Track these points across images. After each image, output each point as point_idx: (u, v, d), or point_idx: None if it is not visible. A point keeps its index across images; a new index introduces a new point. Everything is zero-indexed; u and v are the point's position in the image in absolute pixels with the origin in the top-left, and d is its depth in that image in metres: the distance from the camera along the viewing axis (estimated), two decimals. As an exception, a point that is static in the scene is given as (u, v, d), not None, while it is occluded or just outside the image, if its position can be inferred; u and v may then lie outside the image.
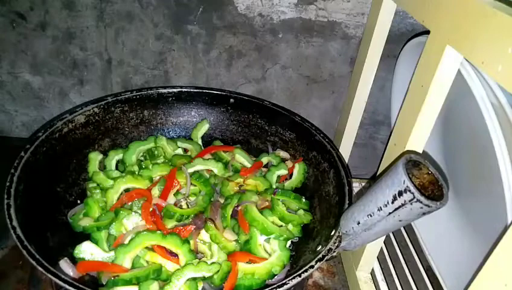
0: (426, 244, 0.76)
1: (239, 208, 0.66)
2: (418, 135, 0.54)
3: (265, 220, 0.63)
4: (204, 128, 0.84)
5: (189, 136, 0.85)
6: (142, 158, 0.76)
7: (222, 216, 0.65)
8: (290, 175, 0.78)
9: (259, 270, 0.58)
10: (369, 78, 0.79)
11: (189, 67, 0.92)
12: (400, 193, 0.44)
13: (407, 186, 0.43)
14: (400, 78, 0.83)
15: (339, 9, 0.84)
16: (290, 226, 0.66)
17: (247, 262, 0.59)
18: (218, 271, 0.56)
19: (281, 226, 0.66)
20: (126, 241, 0.59)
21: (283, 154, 0.82)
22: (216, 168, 0.75)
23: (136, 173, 0.71)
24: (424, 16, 0.53)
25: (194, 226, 0.62)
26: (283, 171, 0.77)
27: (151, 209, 0.64)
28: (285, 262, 0.60)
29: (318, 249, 0.57)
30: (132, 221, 0.62)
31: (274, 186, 0.74)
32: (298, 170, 0.77)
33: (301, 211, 0.69)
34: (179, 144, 0.80)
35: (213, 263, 0.57)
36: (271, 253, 0.62)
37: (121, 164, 0.75)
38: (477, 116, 0.52)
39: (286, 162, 0.79)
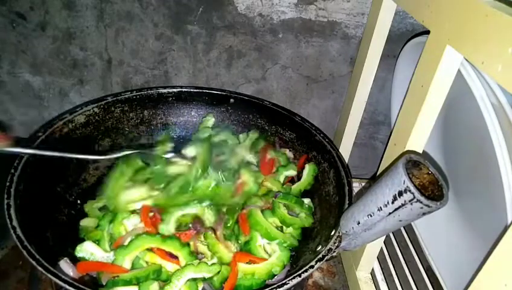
0: (426, 244, 0.76)
1: (244, 211, 0.66)
2: (418, 135, 0.54)
3: (268, 225, 0.63)
4: (210, 122, 0.83)
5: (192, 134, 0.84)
6: None
7: (224, 226, 0.64)
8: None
9: (259, 270, 0.58)
10: (369, 78, 0.79)
11: (189, 67, 0.92)
12: (400, 193, 0.44)
13: (407, 187, 0.43)
14: (400, 78, 0.83)
15: (339, 9, 0.84)
16: (290, 229, 0.66)
17: (247, 262, 0.59)
18: (218, 272, 0.56)
19: (281, 227, 0.66)
20: (126, 243, 0.59)
21: (289, 153, 0.81)
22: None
23: None
24: (424, 16, 0.53)
25: (195, 231, 0.62)
26: (291, 172, 0.76)
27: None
28: (285, 262, 0.60)
29: (318, 249, 0.57)
30: (132, 222, 0.62)
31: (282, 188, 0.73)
32: (308, 171, 0.75)
33: (302, 214, 0.68)
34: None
35: (213, 263, 0.57)
36: (271, 253, 0.62)
37: None
38: (477, 116, 0.52)
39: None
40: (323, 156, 0.74)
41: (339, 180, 0.66)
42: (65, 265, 0.54)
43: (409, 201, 0.44)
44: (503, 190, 0.49)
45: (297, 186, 0.74)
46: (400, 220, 0.47)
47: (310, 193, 0.74)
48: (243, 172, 0.71)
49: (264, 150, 0.78)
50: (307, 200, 0.71)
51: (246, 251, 0.61)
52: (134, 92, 0.80)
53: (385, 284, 0.72)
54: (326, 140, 0.74)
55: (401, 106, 0.57)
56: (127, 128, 0.80)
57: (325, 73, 0.92)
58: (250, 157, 0.78)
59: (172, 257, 0.59)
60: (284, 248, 0.62)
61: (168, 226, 0.61)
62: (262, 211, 0.66)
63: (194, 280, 0.55)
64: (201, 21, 0.85)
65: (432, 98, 0.50)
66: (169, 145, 0.74)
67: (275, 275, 0.59)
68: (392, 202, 0.46)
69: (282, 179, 0.75)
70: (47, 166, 0.65)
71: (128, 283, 0.53)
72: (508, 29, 0.37)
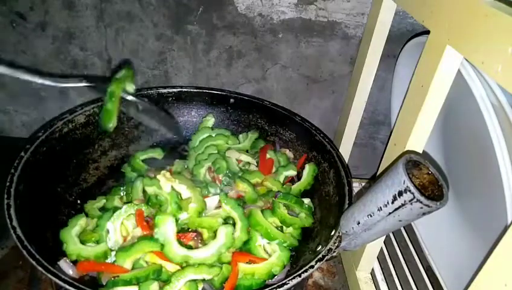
0: (426, 244, 0.76)
1: (244, 211, 0.65)
2: (418, 135, 0.54)
3: (269, 225, 0.63)
4: (210, 122, 0.83)
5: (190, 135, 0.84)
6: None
7: None
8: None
9: (259, 270, 0.58)
10: (369, 78, 0.79)
11: (189, 67, 0.92)
12: (400, 193, 0.44)
13: (407, 187, 0.43)
14: (400, 78, 0.83)
15: (339, 9, 0.84)
16: (290, 229, 0.66)
17: (247, 262, 0.59)
18: (218, 274, 0.56)
19: (281, 227, 0.65)
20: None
21: (288, 153, 0.81)
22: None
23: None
24: (424, 16, 0.53)
25: (195, 233, 0.62)
26: (291, 172, 0.76)
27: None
28: (285, 262, 0.60)
29: (318, 249, 0.57)
30: (132, 222, 0.62)
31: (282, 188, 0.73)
32: (308, 171, 0.75)
33: (302, 214, 0.68)
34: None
35: (213, 265, 0.57)
36: (271, 253, 0.62)
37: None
38: (477, 116, 0.52)
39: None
40: (323, 156, 0.74)
41: (339, 180, 0.66)
42: (65, 265, 0.55)
43: (409, 201, 0.44)
44: (503, 190, 0.49)
45: (297, 186, 0.74)
46: (400, 220, 0.47)
47: (310, 193, 0.74)
48: (239, 182, 0.70)
49: (264, 150, 0.78)
50: (306, 200, 0.71)
51: (245, 250, 0.61)
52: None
53: (385, 284, 0.72)
54: (326, 140, 0.74)
55: (401, 106, 0.57)
56: (127, 128, 0.80)
57: (325, 73, 0.92)
58: (249, 158, 0.78)
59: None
60: (284, 248, 0.62)
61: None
62: (262, 211, 0.66)
63: (194, 280, 0.55)
64: (201, 21, 0.85)
65: (432, 98, 0.50)
66: (129, 86, 0.61)
67: (275, 275, 0.59)
68: (392, 202, 0.46)
69: (282, 179, 0.75)
70: (47, 166, 0.65)
71: (128, 283, 0.53)
72: (508, 29, 0.37)
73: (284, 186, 0.74)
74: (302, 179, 0.75)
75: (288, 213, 0.67)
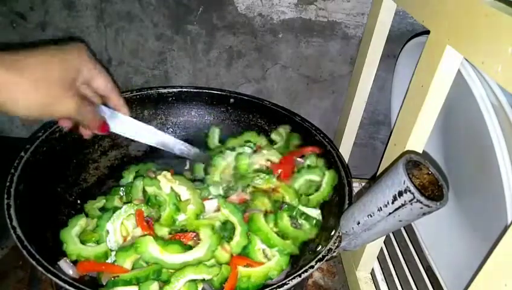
0: (426, 244, 0.76)
1: (246, 214, 0.64)
2: (418, 135, 0.54)
3: (270, 231, 0.61)
4: (216, 133, 0.82)
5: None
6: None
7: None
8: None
9: (255, 273, 0.57)
10: (369, 78, 0.79)
11: (189, 67, 0.92)
12: (400, 193, 0.44)
13: (407, 187, 0.43)
14: (400, 78, 0.83)
15: (339, 9, 0.84)
16: None
17: (245, 266, 0.59)
18: (218, 274, 0.56)
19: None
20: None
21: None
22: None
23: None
24: (424, 16, 0.53)
25: (195, 234, 0.62)
26: (315, 177, 0.69)
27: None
28: (283, 267, 0.59)
29: (318, 249, 0.57)
30: (132, 222, 0.62)
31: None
32: (327, 180, 0.67)
33: (307, 225, 0.65)
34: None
35: (213, 265, 0.57)
36: (270, 257, 0.61)
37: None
38: (477, 116, 0.52)
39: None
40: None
41: (339, 180, 0.66)
42: (65, 265, 0.55)
43: (409, 201, 0.44)
44: (503, 190, 0.49)
45: (315, 198, 0.67)
46: (400, 220, 0.47)
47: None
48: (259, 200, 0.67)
49: (292, 152, 0.74)
50: (316, 213, 0.66)
51: (244, 254, 0.60)
52: (134, 92, 0.80)
53: (385, 284, 0.72)
54: (326, 140, 0.74)
55: (401, 106, 0.57)
56: (127, 129, 0.80)
57: (325, 73, 0.92)
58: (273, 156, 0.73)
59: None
60: (284, 254, 0.61)
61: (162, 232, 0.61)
62: (264, 215, 0.64)
63: (194, 280, 0.55)
64: (201, 21, 0.85)
65: (432, 98, 0.50)
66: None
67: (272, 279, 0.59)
68: (392, 202, 0.46)
69: (298, 185, 0.69)
70: (47, 166, 0.65)
71: (128, 283, 0.53)
72: (508, 29, 0.37)
73: (302, 197, 0.67)
74: (321, 189, 0.68)
75: (292, 224, 0.64)
